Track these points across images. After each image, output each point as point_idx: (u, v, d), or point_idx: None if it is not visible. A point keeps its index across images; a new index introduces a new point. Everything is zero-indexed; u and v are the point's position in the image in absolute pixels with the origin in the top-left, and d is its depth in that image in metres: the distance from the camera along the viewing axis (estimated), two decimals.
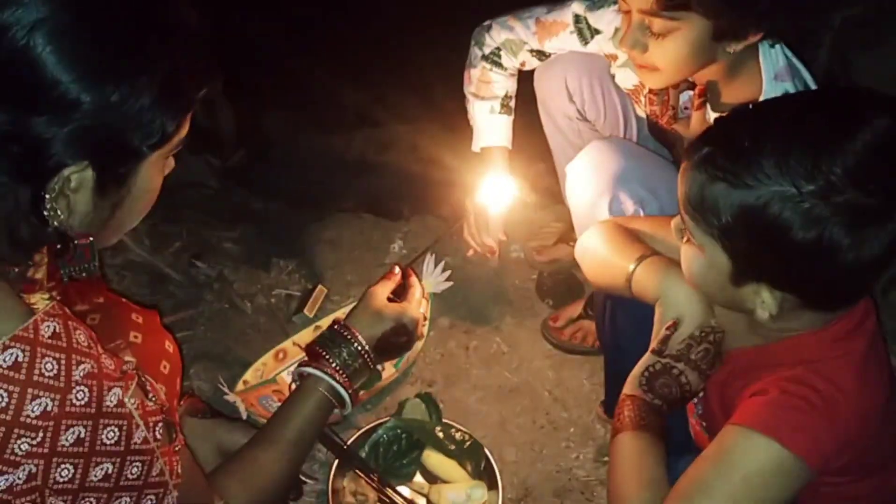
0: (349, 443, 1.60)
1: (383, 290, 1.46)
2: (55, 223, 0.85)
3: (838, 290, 1.00)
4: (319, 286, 1.96)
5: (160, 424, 0.93)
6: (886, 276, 1.03)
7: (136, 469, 0.89)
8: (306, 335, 1.81)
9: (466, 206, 1.78)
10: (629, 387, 1.16)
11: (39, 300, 0.85)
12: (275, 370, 1.73)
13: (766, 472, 0.99)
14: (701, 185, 0.97)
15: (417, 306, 1.47)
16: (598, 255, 1.30)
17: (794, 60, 1.35)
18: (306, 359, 1.37)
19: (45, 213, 0.84)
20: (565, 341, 1.88)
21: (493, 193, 1.73)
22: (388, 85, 2.56)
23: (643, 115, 1.65)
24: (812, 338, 1.06)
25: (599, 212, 1.42)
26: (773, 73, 1.32)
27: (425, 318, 1.65)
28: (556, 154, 1.83)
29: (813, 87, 1.36)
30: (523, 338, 1.93)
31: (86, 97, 0.80)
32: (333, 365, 1.32)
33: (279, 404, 1.55)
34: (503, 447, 1.69)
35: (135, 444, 0.89)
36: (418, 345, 1.83)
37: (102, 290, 1.06)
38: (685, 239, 1.06)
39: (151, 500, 0.93)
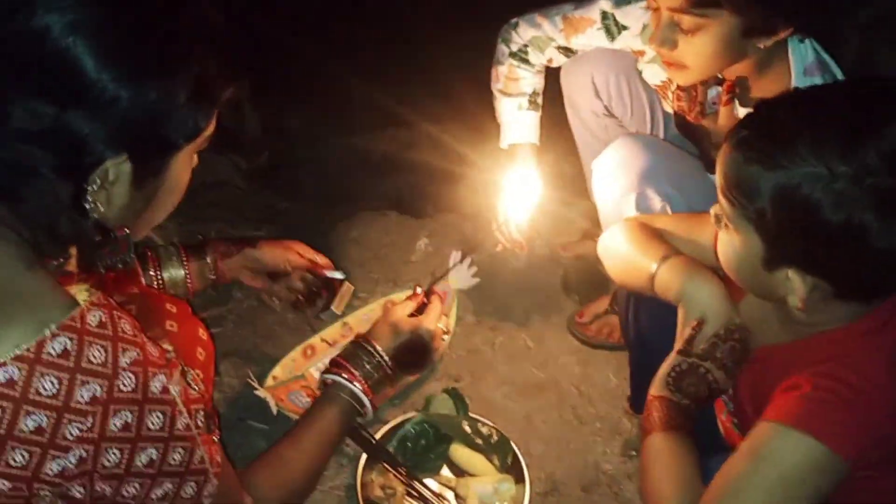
0: (377, 437, 1.61)
1: (403, 307, 1.55)
2: (95, 216, 0.88)
3: (869, 279, 1.00)
4: (346, 283, 1.97)
5: (201, 412, 0.97)
6: None
7: (178, 455, 0.92)
8: (334, 331, 1.82)
9: (495, 202, 1.79)
10: (656, 388, 1.17)
11: (79, 291, 0.88)
12: (303, 366, 1.74)
13: (802, 467, 0.99)
14: (738, 166, 0.98)
15: (435, 321, 1.54)
16: (622, 254, 1.30)
17: (824, 55, 1.35)
18: (330, 361, 1.46)
19: (87, 205, 0.87)
20: (591, 337, 1.89)
21: (521, 189, 1.74)
22: (412, 84, 2.57)
23: (670, 111, 1.65)
24: (842, 333, 1.06)
25: (626, 208, 1.43)
26: (802, 67, 1.32)
27: (447, 332, 1.71)
28: (582, 151, 1.84)
29: None
30: (549, 333, 1.94)
31: (125, 93, 0.84)
32: (357, 374, 1.42)
33: (308, 399, 1.60)
34: (530, 442, 1.70)
35: (177, 430, 0.91)
36: (445, 339, 1.84)
37: (137, 281, 1.09)
38: (722, 224, 1.07)
39: (192, 487, 0.95)
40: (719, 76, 1.39)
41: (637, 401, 1.36)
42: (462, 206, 2.31)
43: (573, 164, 2.01)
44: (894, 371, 1.04)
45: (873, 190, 0.90)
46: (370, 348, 1.47)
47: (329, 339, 1.80)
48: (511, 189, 1.75)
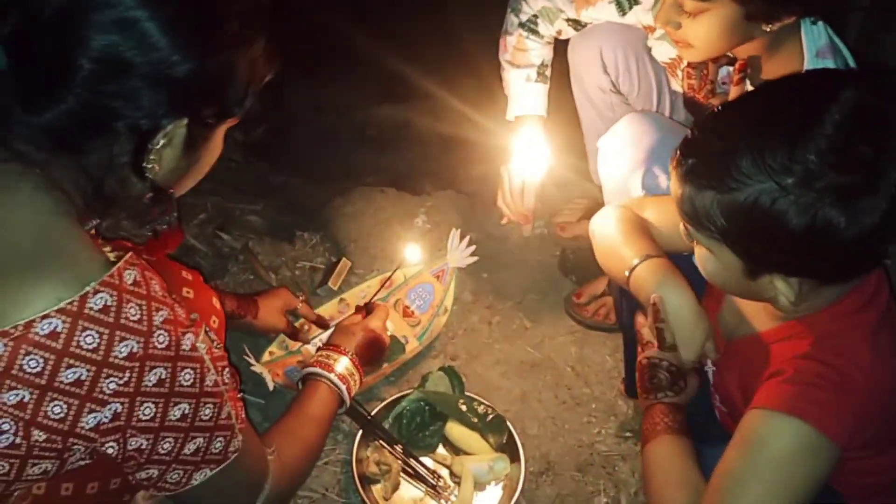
0: (373, 413, 1.61)
1: (350, 319, 1.68)
2: (150, 176, 0.92)
3: (850, 264, 1.00)
4: (343, 259, 1.96)
5: (226, 369, 1.01)
6: None
7: (208, 410, 0.96)
8: (330, 308, 1.82)
9: (501, 174, 1.77)
10: (641, 399, 1.24)
11: (108, 253, 0.90)
12: (300, 342, 1.74)
13: (795, 451, 0.99)
14: (690, 197, 0.99)
15: (378, 320, 1.65)
16: (607, 241, 1.31)
17: (836, 39, 1.33)
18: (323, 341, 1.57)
19: (148, 165, 0.91)
20: (588, 318, 1.89)
21: (527, 161, 1.72)
22: (411, 60, 2.55)
23: (678, 89, 1.63)
24: (826, 314, 1.06)
25: (632, 186, 1.41)
26: (815, 50, 1.30)
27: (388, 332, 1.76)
28: (586, 128, 1.82)
29: (853, 66, 1.34)
30: (546, 314, 1.93)
31: (196, 63, 0.89)
32: (333, 365, 1.49)
33: None
34: (525, 421, 1.70)
35: (207, 386, 0.95)
36: (441, 319, 1.84)
37: (178, 240, 1.12)
38: (695, 243, 1.07)
39: (221, 441, 1.00)
40: (730, 55, 1.38)
41: (631, 384, 1.37)
42: (461, 184, 2.29)
43: (574, 143, 1.99)
44: (875, 348, 1.04)
45: (827, 190, 0.90)
46: (335, 349, 1.53)
47: (325, 316, 1.79)
48: (517, 161, 1.73)
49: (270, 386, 1.60)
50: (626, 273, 1.22)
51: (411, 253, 1.96)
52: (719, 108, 1.04)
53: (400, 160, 2.47)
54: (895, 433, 1.10)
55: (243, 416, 1.05)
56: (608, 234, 1.30)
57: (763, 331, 1.14)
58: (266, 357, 1.69)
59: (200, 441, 0.97)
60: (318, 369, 1.48)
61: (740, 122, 0.97)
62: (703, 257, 1.06)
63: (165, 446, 0.94)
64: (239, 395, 1.05)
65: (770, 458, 0.99)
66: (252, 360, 1.61)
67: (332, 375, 1.47)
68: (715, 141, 0.97)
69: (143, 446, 0.92)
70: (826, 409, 1.00)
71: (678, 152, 1.01)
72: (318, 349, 1.58)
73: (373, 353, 1.60)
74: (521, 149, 1.72)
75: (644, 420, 1.22)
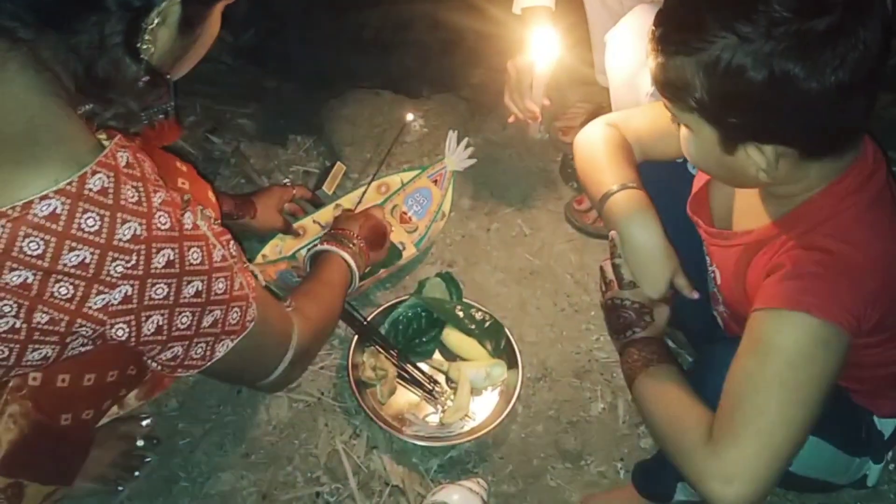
0: (369, 319, 1.59)
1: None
2: (145, 58, 0.88)
3: (821, 129, 0.96)
4: (338, 163, 1.90)
5: (231, 242, 1.01)
6: None
7: (221, 284, 0.96)
8: (325, 213, 1.77)
9: (508, 70, 1.69)
10: (614, 341, 1.24)
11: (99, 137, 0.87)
12: (294, 247, 1.70)
13: (806, 346, 0.96)
14: (663, 65, 0.97)
15: (378, 211, 1.67)
16: (589, 160, 1.27)
17: None
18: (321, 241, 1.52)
19: (142, 45, 0.87)
20: (588, 225, 1.85)
21: (536, 55, 1.63)
22: None
23: None
24: (820, 199, 1.03)
25: (641, 82, 1.35)
26: None
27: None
28: (592, 23, 1.74)
29: None
30: (545, 220, 1.89)
31: None
32: (342, 242, 1.48)
33: (298, 279, 1.57)
34: (523, 328, 1.68)
35: (216, 262, 0.94)
36: (439, 225, 1.80)
37: (176, 132, 1.09)
38: (676, 123, 1.05)
39: (237, 312, 1.00)
40: None
41: None
42: (460, 89, 2.22)
43: (577, 44, 1.91)
44: (872, 226, 1.01)
45: (785, 37, 0.88)
46: (342, 229, 1.53)
47: (321, 221, 1.75)
48: (526, 55, 1.64)
49: (262, 284, 1.56)
50: (603, 197, 1.21)
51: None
52: None
53: (397, 63, 2.37)
54: None
55: (255, 284, 1.05)
56: (590, 155, 1.27)
57: (760, 225, 1.11)
58: (259, 259, 1.66)
59: (218, 313, 0.97)
60: (327, 246, 1.47)
61: None
62: (685, 138, 1.05)
63: (184, 320, 0.93)
64: (247, 266, 1.05)
65: (784, 358, 0.96)
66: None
67: (341, 251, 1.46)
68: (682, 4, 0.96)
69: (161, 323, 0.91)
70: (831, 298, 0.97)
71: (652, 25, 0.99)
72: (325, 233, 1.58)
73: (376, 236, 1.59)
74: (529, 42, 1.63)
75: (622, 363, 1.20)
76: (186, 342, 0.97)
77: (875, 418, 1.21)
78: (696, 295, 1.18)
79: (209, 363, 1.01)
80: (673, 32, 0.96)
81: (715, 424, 0.98)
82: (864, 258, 0.99)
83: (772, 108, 0.92)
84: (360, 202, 1.76)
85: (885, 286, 1.00)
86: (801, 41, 0.87)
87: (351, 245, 1.49)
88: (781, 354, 0.96)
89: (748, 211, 1.15)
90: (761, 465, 0.93)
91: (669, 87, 0.99)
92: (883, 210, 1.03)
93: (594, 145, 1.27)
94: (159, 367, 1.00)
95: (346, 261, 1.46)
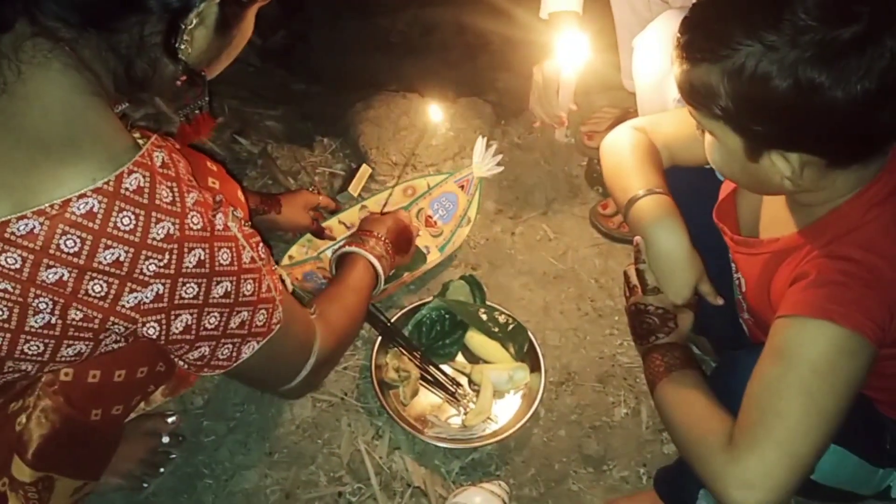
0: (393, 320, 1.60)
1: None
2: (183, 57, 0.90)
3: (847, 138, 0.95)
4: (364, 165, 1.92)
5: (260, 244, 1.02)
6: None
7: (249, 286, 0.98)
8: (351, 214, 1.79)
9: (534, 75, 1.69)
10: (637, 347, 1.24)
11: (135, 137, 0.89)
12: (320, 247, 1.72)
13: (830, 355, 0.96)
14: (688, 73, 0.98)
15: (405, 214, 1.67)
16: (616, 164, 1.27)
17: None
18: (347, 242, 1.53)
19: (181, 45, 0.88)
20: (613, 229, 1.84)
21: (563, 60, 1.63)
22: None
23: None
24: (847, 206, 1.02)
25: (669, 87, 1.35)
26: None
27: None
28: (620, 27, 1.73)
29: None
30: (570, 225, 1.89)
31: None
32: (369, 245, 1.50)
33: (324, 280, 1.59)
34: (546, 332, 1.68)
35: (245, 263, 0.96)
36: (464, 230, 1.80)
37: (211, 125, 1.11)
38: (701, 130, 1.05)
39: (264, 314, 1.02)
40: None
41: None
42: (485, 91, 2.22)
43: (603, 49, 1.90)
44: None
45: (811, 45, 0.87)
46: (368, 231, 1.54)
47: (346, 222, 1.76)
48: (552, 61, 1.64)
49: (290, 289, 1.58)
50: (628, 202, 1.21)
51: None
52: None
53: (423, 67, 2.39)
54: None
55: (281, 287, 1.07)
56: (617, 159, 1.27)
57: (786, 234, 1.10)
58: (285, 261, 1.67)
59: (245, 314, 0.98)
60: (353, 248, 1.48)
61: None
62: (709, 145, 1.05)
63: (212, 321, 0.95)
64: (274, 268, 1.07)
65: (809, 366, 0.95)
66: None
67: (367, 253, 1.47)
68: (708, 12, 0.96)
69: (190, 323, 0.93)
70: (856, 307, 0.96)
71: (678, 33, 0.99)
72: (351, 234, 1.59)
73: (402, 240, 1.59)
74: (556, 47, 1.63)
75: (645, 368, 1.20)
76: (213, 342, 0.98)
77: None
78: (720, 301, 1.18)
79: (235, 364, 1.03)
80: (699, 40, 0.96)
81: (736, 431, 0.97)
82: (890, 268, 0.98)
83: (797, 116, 0.92)
84: (385, 204, 1.77)
85: None
86: (827, 49, 0.87)
87: (377, 248, 1.50)
88: (804, 362, 0.96)
89: (774, 219, 1.15)
90: (782, 472, 0.92)
91: (694, 95, 0.99)
92: None
93: (621, 149, 1.27)
94: (186, 366, 1.02)
95: (371, 264, 1.47)
